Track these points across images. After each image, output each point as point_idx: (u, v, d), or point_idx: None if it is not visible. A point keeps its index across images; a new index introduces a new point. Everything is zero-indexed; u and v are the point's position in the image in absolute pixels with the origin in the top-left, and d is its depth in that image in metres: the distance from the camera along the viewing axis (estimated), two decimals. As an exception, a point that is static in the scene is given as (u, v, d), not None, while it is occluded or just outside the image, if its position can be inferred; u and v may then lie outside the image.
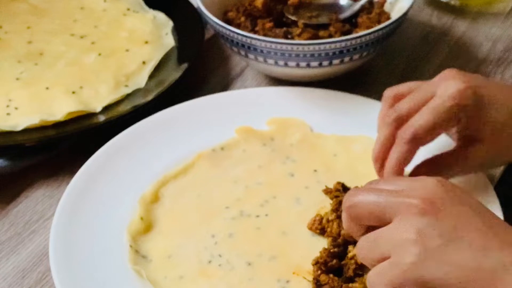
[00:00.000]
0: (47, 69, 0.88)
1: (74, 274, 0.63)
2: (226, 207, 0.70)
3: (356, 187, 0.69)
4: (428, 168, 0.66)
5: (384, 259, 0.49)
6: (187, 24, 0.94)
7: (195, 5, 0.93)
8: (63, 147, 0.79)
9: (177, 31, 0.94)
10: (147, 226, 0.69)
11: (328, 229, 0.66)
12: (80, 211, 0.69)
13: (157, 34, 0.93)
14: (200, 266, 0.65)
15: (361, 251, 0.52)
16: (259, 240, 0.67)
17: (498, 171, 0.75)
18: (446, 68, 0.84)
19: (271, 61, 0.80)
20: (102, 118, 0.80)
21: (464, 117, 0.62)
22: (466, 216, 0.49)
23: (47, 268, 0.67)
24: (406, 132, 0.62)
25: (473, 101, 0.62)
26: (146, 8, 0.99)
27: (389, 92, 0.68)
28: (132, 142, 0.76)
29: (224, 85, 0.89)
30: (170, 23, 0.95)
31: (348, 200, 0.53)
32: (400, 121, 0.64)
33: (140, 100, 0.82)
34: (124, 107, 0.82)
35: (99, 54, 0.90)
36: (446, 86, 0.62)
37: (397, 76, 0.89)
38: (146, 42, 0.92)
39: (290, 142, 0.77)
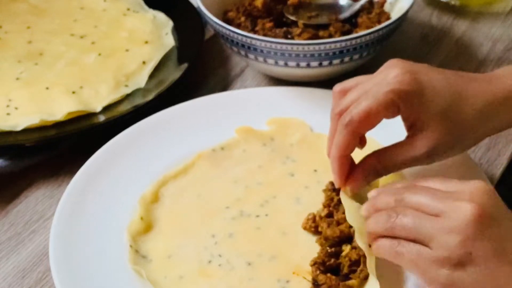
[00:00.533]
0: (47, 69, 0.88)
1: (74, 274, 0.63)
2: (226, 207, 0.70)
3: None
4: (377, 158, 0.64)
5: (417, 241, 0.52)
6: (187, 24, 0.94)
7: (195, 5, 0.93)
8: (63, 147, 0.79)
9: (177, 31, 0.94)
10: (147, 226, 0.69)
11: (319, 227, 0.66)
12: (80, 211, 0.69)
13: (157, 34, 0.94)
14: (200, 266, 0.65)
15: (401, 224, 0.53)
16: (259, 240, 0.67)
17: (498, 171, 0.75)
18: (446, 68, 0.84)
19: (271, 61, 0.80)
20: (102, 118, 0.80)
21: (404, 104, 0.60)
22: None
23: (47, 268, 0.67)
24: (343, 118, 0.61)
25: (411, 86, 0.60)
26: (146, 8, 0.99)
27: (338, 87, 0.65)
28: (132, 142, 0.76)
29: (224, 85, 0.89)
30: (170, 23, 0.95)
31: (401, 194, 0.55)
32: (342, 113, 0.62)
33: (140, 100, 0.82)
34: (124, 107, 0.82)
35: (99, 54, 0.90)
36: (385, 73, 0.61)
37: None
38: (146, 42, 0.92)
39: (290, 142, 0.77)
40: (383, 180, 0.65)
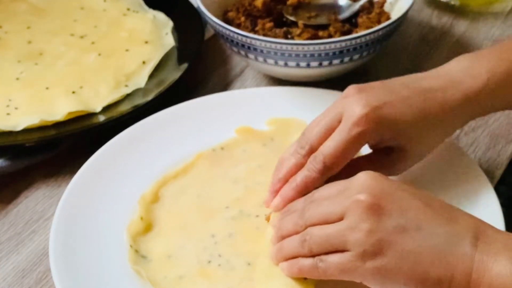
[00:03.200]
0: (47, 69, 0.88)
1: (74, 274, 0.63)
2: (226, 207, 0.70)
3: None
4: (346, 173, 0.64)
5: (335, 250, 0.54)
6: (187, 24, 0.94)
7: (195, 5, 0.93)
8: (63, 147, 0.79)
9: (177, 31, 0.94)
10: (147, 226, 0.68)
11: None
12: (80, 211, 0.69)
13: (157, 34, 0.93)
14: (200, 266, 0.65)
15: (313, 242, 0.55)
16: (259, 240, 0.67)
17: (498, 171, 0.75)
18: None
19: (271, 61, 0.80)
20: (102, 118, 0.80)
21: (373, 138, 0.63)
22: (409, 202, 0.54)
23: (47, 268, 0.67)
24: (316, 161, 0.62)
25: (377, 124, 0.61)
26: (146, 8, 0.99)
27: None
28: (132, 142, 0.76)
29: (224, 85, 0.89)
30: (170, 23, 0.95)
31: (301, 218, 0.57)
32: (311, 151, 0.63)
33: (140, 100, 0.82)
34: (124, 107, 0.82)
35: (99, 54, 0.90)
36: (350, 112, 0.62)
37: (397, 76, 0.88)
38: (146, 42, 0.92)
39: (290, 142, 0.77)
40: None
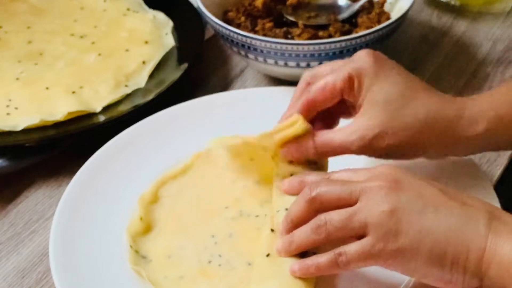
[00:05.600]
0: (47, 69, 0.88)
1: (74, 274, 0.63)
2: (226, 207, 0.70)
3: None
4: (313, 138, 0.65)
5: (356, 233, 0.55)
6: (187, 24, 0.94)
7: (195, 5, 0.93)
8: (63, 147, 0.79)
9: (177, 31, 0.94)
10: (147, 226, 0.68)
11: None
12: (80, 211, 0.69)
13: (157, 34, 0.93)
14: (200, 266, 0.65)
15: (332, 227, 0.55)
16: (259, 240, 0.67)
17: (498, 171, 0.75)
18: (446, 68, 0.84)
19: (271, 61, 0.80)
20: (102, 118, 0.80)
21: (357, 81, 0.64)
22: (425, 188, 0.56)
23: (47, 268, 0.67)
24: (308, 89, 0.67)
25: (369, 67, 0.64)
26: (146, 8, 0.99)
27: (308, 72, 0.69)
28: (132, 142, 0.76)
29: (224, 85, 0.89)
30: (170, 23, 0.95)
31: (311, 192, 0.57)
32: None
33: (140, 100, 0.82)
34: (124, 107, 0.82)
35: (99, 54, 0.90)
36: (357, 56, 0.65)
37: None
38: (146, 42, 0.92)
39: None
40: None
